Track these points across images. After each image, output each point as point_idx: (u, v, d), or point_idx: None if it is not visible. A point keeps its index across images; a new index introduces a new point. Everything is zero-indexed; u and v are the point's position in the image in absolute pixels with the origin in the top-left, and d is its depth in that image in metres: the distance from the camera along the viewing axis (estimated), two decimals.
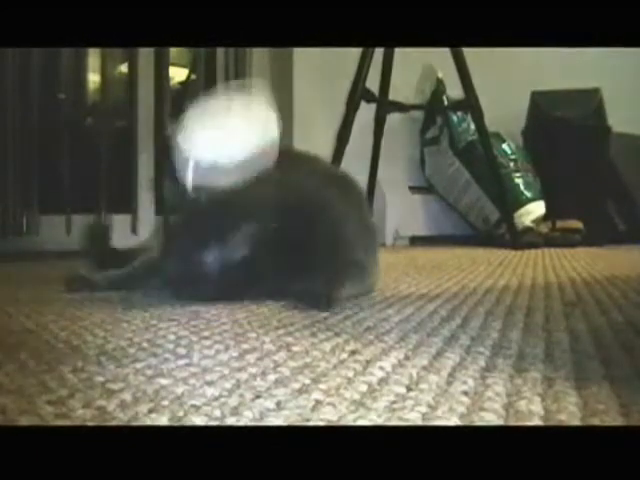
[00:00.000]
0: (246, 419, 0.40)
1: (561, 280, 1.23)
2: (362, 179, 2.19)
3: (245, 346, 0.61)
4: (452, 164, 2.69)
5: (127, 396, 0.44)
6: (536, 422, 0.40)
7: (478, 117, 2.27)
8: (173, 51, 2.43)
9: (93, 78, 2.40)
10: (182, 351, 0.59)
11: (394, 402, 0.43)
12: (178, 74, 2.64)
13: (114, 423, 0.39)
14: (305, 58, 2.50)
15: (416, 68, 2.70)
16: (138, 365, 0.53)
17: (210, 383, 0.48)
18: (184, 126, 0.74)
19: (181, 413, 0.41)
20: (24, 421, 0.39)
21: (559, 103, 2.69)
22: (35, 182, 2.03)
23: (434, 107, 2.67)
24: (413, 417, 0.40)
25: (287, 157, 0.88)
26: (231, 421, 0.40)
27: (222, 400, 0.44)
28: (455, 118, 2.66)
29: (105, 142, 2.26)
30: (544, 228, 2.57)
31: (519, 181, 2.60)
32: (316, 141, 2.10)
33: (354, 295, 0.91)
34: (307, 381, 0.48)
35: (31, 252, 1.95)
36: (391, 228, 2.56)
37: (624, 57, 2.65)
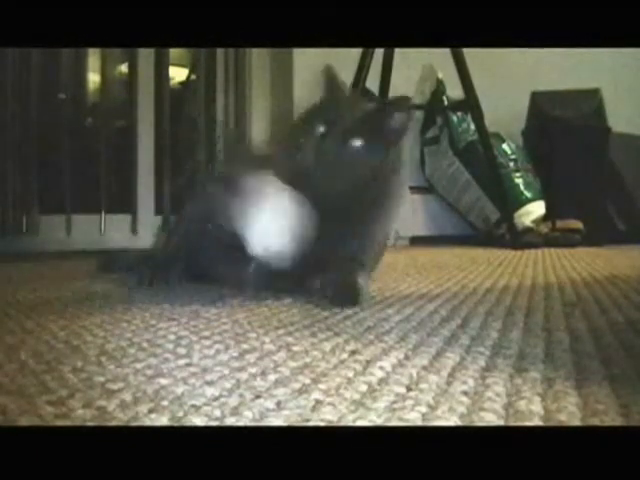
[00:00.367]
0: (246, 419, 0.40)
1: (561, 280, 1.23)
2: None
3: (245, 346, 0.61)
4: (452, 164, 2.69)
5: (127, 396, 0.44)
6: (536, 422, 0.40)
7: (478, 117, 2.27)
8: (173, 51, 2.43)
9: (93, 78, 2.40)
10: (182, 351, 0.59)
11: (394, 402, 0.43)
12: (178, 74, 2.64)
13: (114, 423, 0.39)
14: (305, 58, 2.50)
15: (416, 68, 2.70)
16: (138, 365, 0.53)
17: (210, 383, 0.48)
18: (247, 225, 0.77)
19: (181, 413, 0.41)
20: (24, 421, 0.39)
21: (559, 103, 2.69)
22: (35, 182, 2.03)
23: (434, 107, 2.67)
24: (413, 417, 0.40)
25: None
26: (231, 421, 0.40)
27: (222, 400, 0.44)
28: (455, 118, 2.66)
29: (105, 142, 2.26)
30: (544, 228, 2.57)
31: (519, 181, 2.60)
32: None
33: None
34: (307, 381, 0.48)
35: (31, 252, 1.96)
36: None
37: (624, 57, 2.65)
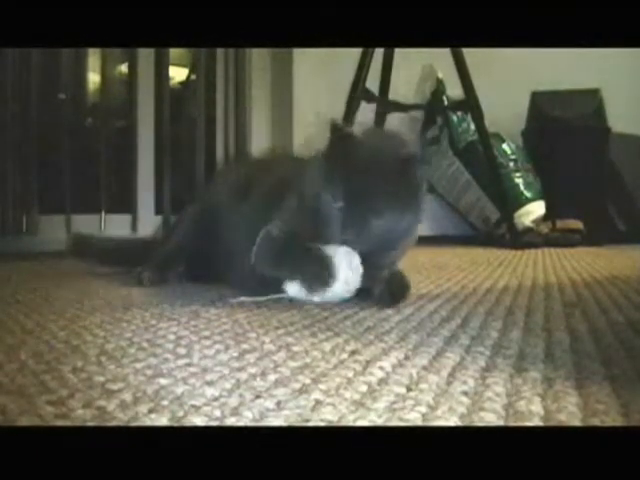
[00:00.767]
0: (246, 419, 0.40)
1: (561, 280, 1.23)
2: None
3: (245, 346, 0.61)
4: (452, 164, 2.69)
5: (127, 396, 0.44)
6: (536, 422, 0.40)
7: (478, 117, 2.27)
8: (173, 51, 2.43)
9: (93, 78, 2.40)
10: (182, 351, 0.59)
11: (394, 402, 0.43)
12: (178, 74, 2.64)
13: (114, 423, 0.39)
14: (305, 58, 2.50)
15: (416, 68, 2.70)
16: (138, 365, 0.53)
17: (210, 383, 0.48)
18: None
19: (181, 413, 0.41)
20: (24, 421, 0.39)
21: (559, 103, 2.69)
22: (35, 182, 2.03)
23: (434, 107, 2.67)
24: (413, 417, 0.40)
25: None
26: (231, 421, 0.40)
27: (222, 400, 0.44)
28: (455, 118, 2.66)
29: (105, 142, 2.26)
30: (544, 228, 2.56)
31: (519, 181, 2.60)
32: (316, 141, 2.10)
33: None
34: (307, 381, 0.48)
35: (31, 252, 1.96)
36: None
37: (624, 57, 2.65)
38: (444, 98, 2.62)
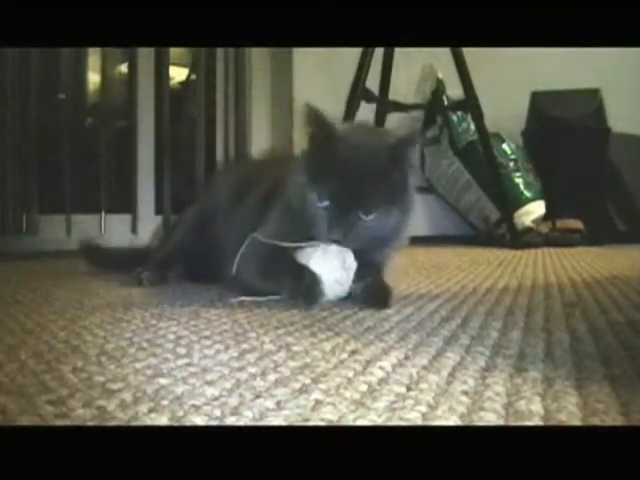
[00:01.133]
0: (246, 419, 0.40)
1: (561, 280, 1.23)
2: None
3: (245, 346, 0.61)
4: (452, 164, 2.69)
5: (127, 396, 0.44)
6: (536, 422, 0.40)
7: (478, 117, 2.27)
8: (173, 51, 2.43)
9: (93, 78, 2.40)
10: (182, 351, 0.59)
11: (394, 402, 0.43)
12: (178, 74, 2.64)
13: (114, 423, 0.39)
14: (305, 58, 2.50)
15: (416, 68, 2.70)
16: (138, 365, 0.53)
17: (210, 383, 0.48)
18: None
19: (181, 413, 0.41)
20: (24, 421, 0.39)
21: (559, 103, 2.69)
22: (35, 182, 2.03)
23: (434, 107, 2.67)
24: (413, 417, 0.40)
25: None
26: (231, 421, 0.40)
27: (222, 400, 0.44)
28: (455, 118, 2.66)
29: (105, 142, 2.26)
30: (544, 228, 2.56)
31: (519, 181, 2.60)
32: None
33: None
34: (307, 381, 0.48)
35: (31, 252, 1.96)
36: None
37: (624, 57, 2.65)
38: (444, 98, 2.62)
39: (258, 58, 2.52)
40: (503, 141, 2.65)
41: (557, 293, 1.03)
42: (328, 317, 0.78)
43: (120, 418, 0.40)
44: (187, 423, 0.39)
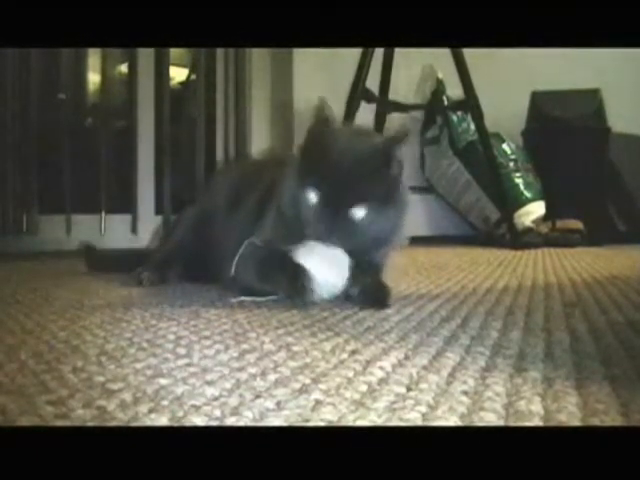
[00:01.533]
0: (246, 419, 0.40)
1: (561, 280, 1.23)
2: None
3: (245, 346, 0.61)
4: (452, 164, 2.69)
5: (127, 396, 0.44)
6: (536, 422, 0.40)
7: (478, 117, 2.27)
8: (173, 51, 2.43)
9: (93, 78, 2.40)
10: (182, 351, 0.59)
11: (394, 402, 0.43)
12: (178, 74, 2.64)
13: (114, 423, 0.39)
14: (305, 58, 2.50)
15: (416, 68, 2.70)
16: (138, 365, 0.53)
17: (210, 383, 0.48)
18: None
19: (181, 413, 0.41)
20: (24, 421, 0.39)
21: (559, 103, 2.69)
22: (35, 182, 2.03)
23: (434, 107, 2.67)
24: (413, 417, 0.40)
25: None
26: (231, 421, 0.40)
27: (222, 400, 0.44)
28: (455, 118, 2.66)
29: (105, 142, 2.26)
30: (544, 228, 2.56)
31: (519, 181, 2.60)
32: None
33: None
34: (307, 381, 0.48)
35: (31, 252, 1.96)
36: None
37: (624, 57, 2.65)
38: (444, 98, 2.62)
39: (258, 58, 2.52)
40: (503, 141, 2.65)
41: (557, 293, 1.03)
42: (328, 317, 0.78)
43: (120, 418, 0.40)
44: (187, 423, 0.39)
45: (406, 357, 0.57)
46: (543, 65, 2.69)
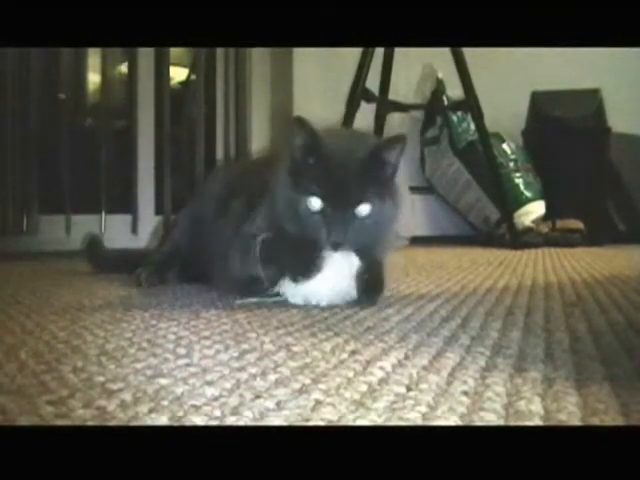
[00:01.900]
0: (246, 419, 0.40)
1: (561, 280, 1.23)
2: None
3: (245, 346, 0.61)
4: (452, 164, 2.69)
5: (127, 396, 0.44)
6: (536, 422, 0.40)
7: (478, 117, 2.27)
8: (173, 51, 2.43)
9: (93, 78, 2.40)
10: (182, 351, 0.59)
11: (394, 402, 0.43)
12: (178, 74, 2.64)
13: (114, 423, 0.39)
14: (305, 58, 2.50)
15: (416, 68, 2.70)
16: (138, 365, 0.53)
17: (210, 383, 0.48)
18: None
19: (181, 413, 0.41)
20: (24, 421, 0.39)
21: (559, 103, 2.69)
22: (35, 182, 2.03)
23: (434, 107, 2.67)
24: (413, 417, 0.40)
25: None
26: (231, 421, 0.40)
27: (222, 400, 0.44)
28: (455, 118, 2.66)
29: (105, 142, 2.26)
30: (544, 228, 2.56)
31: (519, 181, 2.60)
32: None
33: None
34: (307, 381, 0.48)
35: (31, 252, 1.96)
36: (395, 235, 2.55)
37: (624, 57, 2.65)
38: (444, 98, 2.62)
39: (258, 58, 2.52)
40: (503, 141, 2.65)
41: (557, 293, 1.03)
42: (328, 317, 0.78)
43: (120, 418, 0.40)
44: (187, 423, 0.39)
45: (406, 357, 0.57)
46: (543, 65, 2.69)
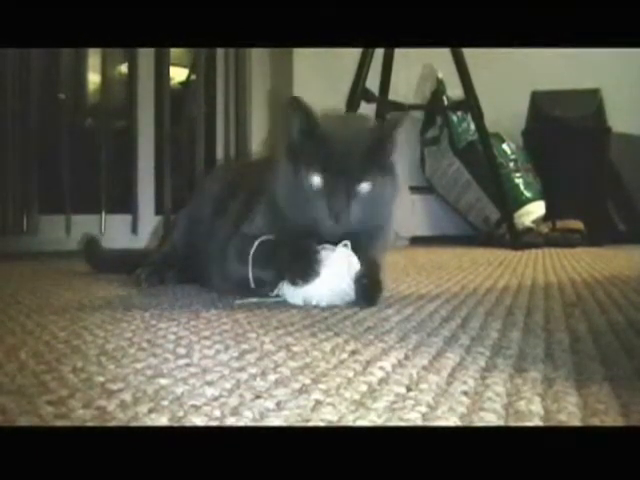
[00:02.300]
0: (246, 419, 0.40)
1: (561, 280, 1.23)
2: None
3: (245, 346, 0.61)
4: (452, 164, 2.69)
5: (127, 396, 0.44)
6: (536, 422, 0.40)
7: (478, 117, 2.27)
8: (173, 51, 2.43)
9: (93, 78, 2.40)
10: (182, 351, 0.59)
11: (394, 402, 0.43)
12: (178, 74, 2.64)
13: (114, 423, 0.39)
14: (305, 58, 2.50)
15: (416, 68, 2.70)
16: (138, 365, 0.53)
17: (210, 383, 0.48)
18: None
19: (181, 413, 0.41)
20: (24, 421, 0.39)
21: (559, 103, 2.69)
22: (35, 182, 2.03)
23: (434, 107, 2.67)
24: (413, 417, 0.40)
25: None
26: (231, 421, 0.40)
27: (222, 400, 0.44)
28: (455, 118, 2.66)
29: (105, 142, 2.26)
30: (544, 228, 2.56)
31: (519, 181, 2.60)
32: None
33: None
34: (307, 381, 0.48)
35: (31, 252, 1.96)
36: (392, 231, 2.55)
37: (624, 57, 2.65)
38: (444, 98, 2.62)
39: (258, 58, 2.52)
40: (503, 141, 2.65)
41: (557, 293, 1.03)
42: (328, 317, 0.78)
43: (120, 418, 0.40)
44: (187, 423, 0.39)
45: (406, 357, 0.57)
46: (543, 65, 2.69)
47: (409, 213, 2.65)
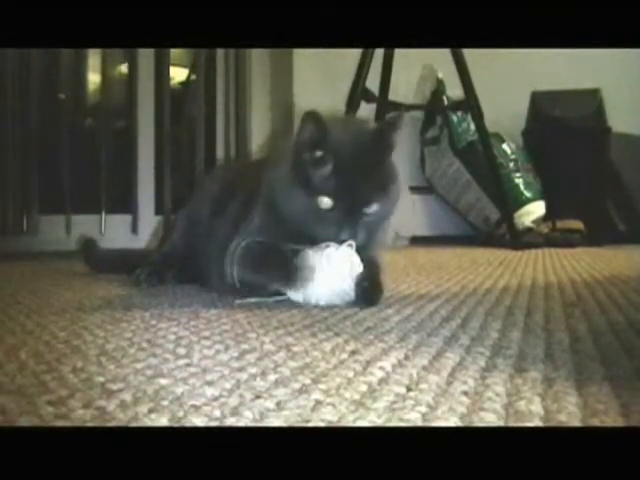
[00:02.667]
0: (246, 419, 0.40)
1: (561, 280, 1.23)
2: None
3: (245, 346, 0.61)
4: (452, 164, 2.69)
5: (127, 396, 0.44)
6: (536, 422, 0.40)
7: (478, 117, 2.27)
8: (173, 51, 2.43)
9: (93, 78, 2.40)
10: (182, 351, 0.59)
11: (394, 402, 0.43)
12: (178, 74, 2.64)
13: (114, 423, 0.39)
14: (305, 58, 2.50)
15: (416, 68, 2.70)
16: (138, 365, 0.53)
17: (210, 383, 0.48)
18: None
19: (181, 413, 0.41)
20: (24, 421, 0.39)
21: (559, 103, 2.69)
22: (35, 182, 2.03)
23: (434, 107, 2.67)
24: (413, 417, 0.40)
25: None
26: (231, 421, 0.40)
27: (222, 400, 0.44)
28: (455, 118, 2.66)
29: (105, 142, 2.26)
30: (544, 228, 2.56)
31: (519, 181, 2.60)
32: None
33: None
34: (307, 381, 0.48)
35: (31, 252, 1.96)
36: (391, 228, 2.55)
37: (624, 57, 2.65)
38: (444, 98, 2.62)
39: (258, 58, 2.52)
40: (503, 141, 2.65)
41: (557, 293, 1.03)
42: (328, 317, 0.78)
43: (120, 419, 0.40)
44: (187, 424, 0.39)
45: (406, 357, 0.57)
46: (543, 65, 2.69)
47: (409, 213, 2.66)
